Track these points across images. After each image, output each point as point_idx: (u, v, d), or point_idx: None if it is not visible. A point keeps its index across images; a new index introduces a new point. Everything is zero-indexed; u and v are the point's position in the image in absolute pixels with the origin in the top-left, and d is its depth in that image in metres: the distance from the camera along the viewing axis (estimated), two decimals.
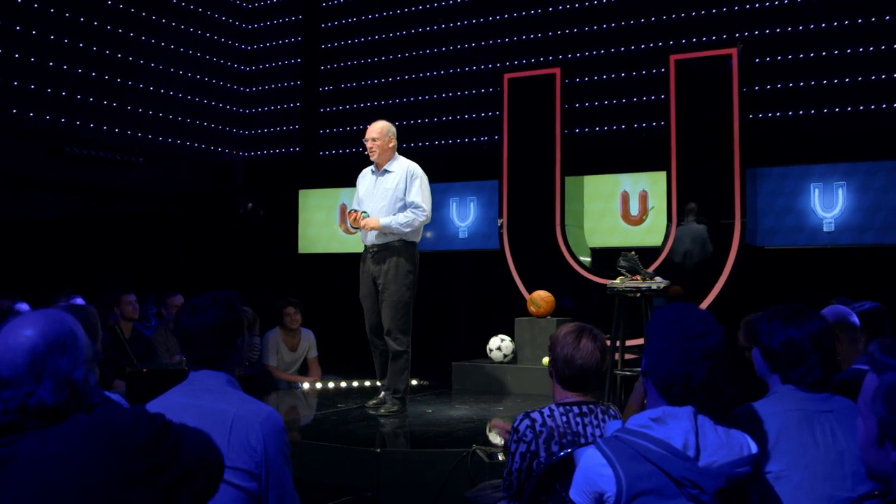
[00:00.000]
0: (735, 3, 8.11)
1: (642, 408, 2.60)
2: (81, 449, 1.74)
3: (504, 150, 8.58)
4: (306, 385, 7.15)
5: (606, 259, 8.13)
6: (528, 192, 8.47)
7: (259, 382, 7.05)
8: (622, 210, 8.48)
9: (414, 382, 7.16)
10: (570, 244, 8.25)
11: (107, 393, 5.65)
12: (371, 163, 5.93)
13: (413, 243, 5.79)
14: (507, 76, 8.68)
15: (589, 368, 3.05)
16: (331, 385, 7.17)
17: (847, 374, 3.84)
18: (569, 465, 2.74)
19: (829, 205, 7.56)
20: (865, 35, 7.57)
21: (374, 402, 5.87)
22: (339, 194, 9.74)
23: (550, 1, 9.00)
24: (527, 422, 3.05)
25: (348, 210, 5.91)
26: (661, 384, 2.24)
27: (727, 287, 7.49)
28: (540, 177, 8.41)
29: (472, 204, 9.28)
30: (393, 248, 5.68)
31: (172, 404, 2.57)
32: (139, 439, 1.77)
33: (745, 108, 7.64)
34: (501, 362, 7.05)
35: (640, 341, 6.21)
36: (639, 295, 5.75)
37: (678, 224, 7.72)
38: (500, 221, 8.48)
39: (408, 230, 5.66)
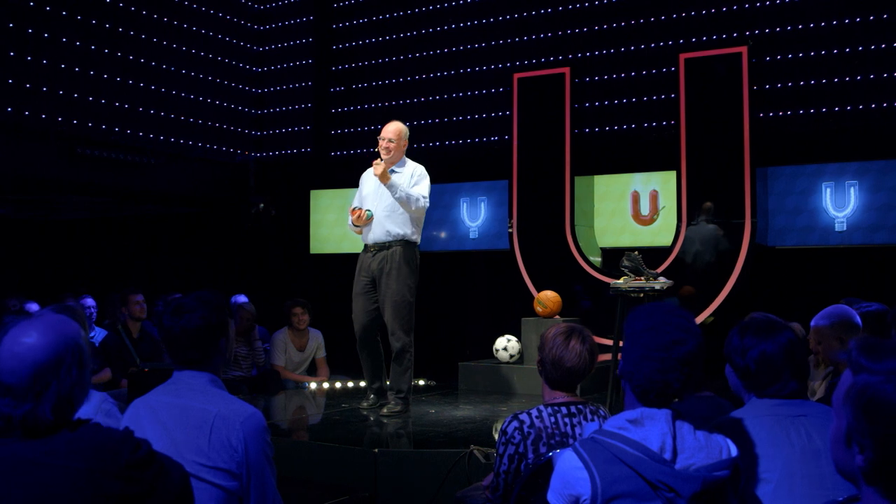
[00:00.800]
0: (745, 1, 8.04)
1: None
2: (61, 463, 1.74)
3: (514, 149, 8.58)
4: (313, 385, 7.17)
5: (617, 259, 8.08)
6: (538, 191, 8.46)
7: (267, 382, 7.09)
8: (633, 210, 8.43)
9: (421, 382, 7.17)
10: (581, 244, 8.22)
11: (110, 393, 5.70)
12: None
13: (414, 243, 5.78)
14: (517, 76, 8.68)
15: (577, 370, 3.04)
16: (338, 385, 7.19)
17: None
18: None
19: (840, 204, 7.48)
20: (877, 32, 7.48)
21: (367, 404, 5.86)
22: (351, 195, 9.70)
23: (560, 0, 8.96)
24: (515, 423, 3.04)
25: (351, 207, 5.90)
26: (638, 390, 2.23)
27: (738, 287, 7.44)
28: (550, 176, 8.40)
29: (482, 204, 9.27)
30: (394, 247, 5.67)
31: (156, 403, 2.59)
32: (120, 461, 1.77)
33: (755, 106, 7.59)
34: (508, 362, 7.03)
35: None
36: (642, 295, 5.72)
37: (690, 224, 7.68)
38: (510, 225, 8.46)
39: (408, 201, 5.59)
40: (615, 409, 5.25)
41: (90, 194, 9.14)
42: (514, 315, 7.61)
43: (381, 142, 5.81)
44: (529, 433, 3.00)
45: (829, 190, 7.53)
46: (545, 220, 8.36)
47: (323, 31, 10.51)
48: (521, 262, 8.42)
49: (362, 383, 7.10)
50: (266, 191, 10.32)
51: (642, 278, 5.73)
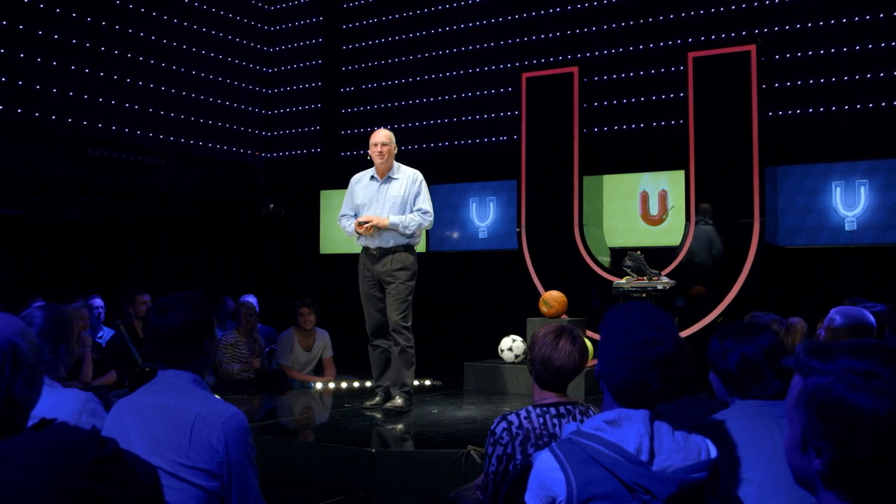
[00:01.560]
0: (754, 0, 7.99)
1: None
2: (23, 462, 1.73)
3: (522, 149, 8.55)
4: (319, 385, 7.18)
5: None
6: (546, 191, 8.43)
7: (273, 382, 7.12)
8: (642, 210, 8.39)
9: (427, 382, 7.17)
10: (590, 244, 8.19)
11: (114, 394, 5.73)
12: (362, 169, 6.01)
13: (414, 247, 5.92)
14: (525, 75, 8.65)
15: (566, 369, 3.02)
16: (343, 385, 7.20)
17: None
18: None
19: (850, 203, 7.41)
20: (887, 30, 7.42)
21: (371, 402, 5.90)
22: None
23: (568, 0, 8.94)
24: (503, 424, 3.03)
25: (358, 220, 5.82)
26: (615, 391, 2.21)
27: (747, 287, 7.38)
28: (558, 176, 8.37)
29: (491, 204, 9.26)
30: (398, 251, 5.80)
31: (139, 402, 2.60)
32: (86, 459, 1.77)
33: (764, 105, 7.53)
34: (513, 363, 7.01)
35: None
36: (644, 295, 5.68)
37: (697, 222, 7.63)
38: (518, 227, 8.44)
39: (411, 232, 5.76)
40: None
41: (100, 195, 9.20)
42: (523, 315, 7.59)
43: (374, 148, 5.87)
44: (517, 434, 2.99)
45: (838, 189, 7.46)
46: (553, 220, 8.34)
47: (332, 32, 10.54)
48: (529, 262, 8.40)
49: (368, 383, 7.12)
50: (276, 191, 10.35)
51: (645, 278, 5.69)
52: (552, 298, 6.93)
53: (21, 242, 10.86)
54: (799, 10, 7.79)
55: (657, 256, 7.74)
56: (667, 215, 8.23)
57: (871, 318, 3.79)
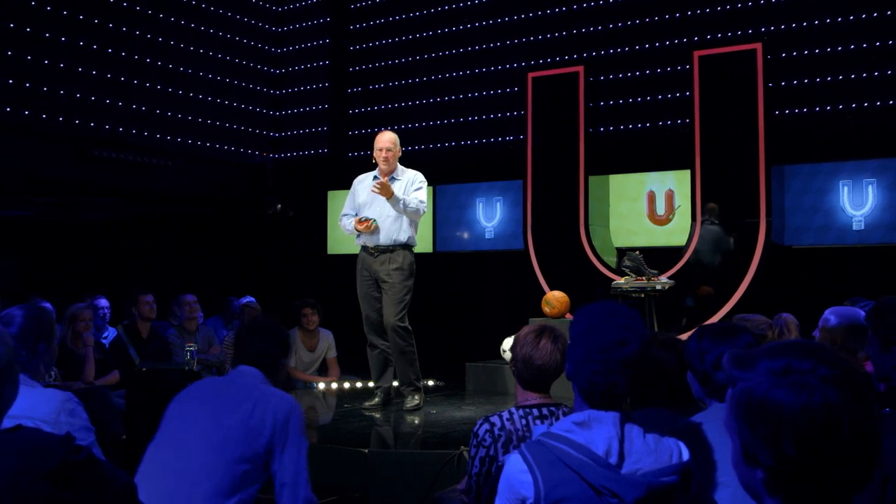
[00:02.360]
0: None
1: None
2: None
3: (528, 149, 8.53)
4: (322, 385, 7.18)
5: None
6: (552, 191, 8.40)
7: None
8: (648, 209, 8.35)
9: (430, 383, 7.15)
10: (596, 244, 8.15)
11: (116, 394, 5.75)
12: (366, 171, 6.02)
13: (412, 246, 5.98)
14: (531, 75, 8.62)
15: (548, 369, 3.00)
16: (346, 385, 7.20)
17: None
18: None
19: (858, 202, 7.34)
20: (895, 27, 7.33)
21: (370, 403, 5.90)
22: None
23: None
24: (486, 426, 3.02)
25: (358, 217, 5.87)
26: (584, 393, 2.19)
27: (753, 287, 7.32)
28: (564, 176, 8.34)
29: (498, 204, 9.25)
30: (396, 250, 5.84)
31: None
32: (52, 464, 1.76)
33: (771, 104, 7.47)
34: None
35: None
36: (643, 295, 5.65)
37: (703, 223, 7.58)
38: (525, 225, 8.42)
39: (411, 210, 5.79)
40: None
41: (107, 196, 9.25)
42: (529, 315, 7.57)
43: (378, 153, 5.93)
44: (500, 436, 2.97)
45: (846, 188, 7.39)
46: (560, 220, 8.31)
47: (339, 33, 10.54)
48: (535, 262, 8.38)
49: (371, 383, 7.11)
50: (283, 192, 10.37)
51: (644, 278, 5.65)
52: (554, 298, 6.91)
53: (31, 244, 10.92)
54: (805, 8, 7.72)
55: (664, 256, 7.71)
56: (673, 215, 8.19)
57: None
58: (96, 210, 10.44)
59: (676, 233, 8.04)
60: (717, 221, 7.46)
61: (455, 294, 9.23)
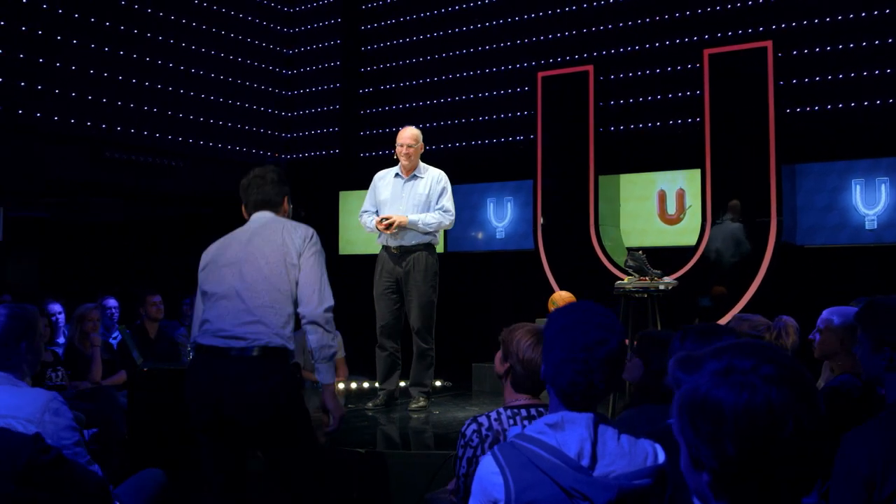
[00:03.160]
0: None
1: None
2: None
3: (538, 149, 8.50)
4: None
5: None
6: (562, 191, 8.37)
7: None
8: (659, 209, 8.29)
9: (438, 383, 7.14)
10: (607, 244, 8.11)
11: (123, 393, 5.77)
12: (381, 169, 6.00)
13: (435, 247, 5.92)
14: (540, 74, 8.59)
15: None
16: (353, 385, 7.20)
17: (836, 382, 3.67)
18: None
19: (871, 201, 7.25)
20: None
21: (373, 404, 5.88)
22: None
23: None
24: (473, 426, 3.00)
25: (379, 217, 5.79)
26: (562, 394, 2.16)
27: (764, 287, 7.25)
28: (574, 176, 8.30)
29: (509, 204, 9.22)
30: (419, 251, 5.78)
31: None
32: (17, 464, 1.77)
33: (781, 102, 7.39)
34: None
35: None
36: (646, 296, 5.60)
37: (715, 222, 7.52)
38: (542, 222, 8.37)
39: (431, 230, 5.75)
40: (614, 415, 5.16)
41: (121, 197, 9.31)
42: (540, 315, 7.53)
43: (400, 148, 5.87)
44: (487, 436, 2.95)
45: (858, 187, 7.30)
46: (569, 220, 8.27)
47: (351, 33, 10.55)
48: (545, 262, 8.35)
49: (377, 384, 7.10)
50: (295, 192, 10.33)
51: (647, 278, 5.61)
52: (561, 298, 6.87)
53: (47, 244, 11.03)
54: (816, 5, 7.63)
55: (674, 256, 7.66)
56: (684, 214, 8.12)
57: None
58: (109, 211, 10.51)
59: (687, 232, 7.98)
60: (740, 219, 7.38)
61: (465, 294, 9.20)
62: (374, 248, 9.81)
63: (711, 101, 7.58)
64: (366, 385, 7.20)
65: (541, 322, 7.11)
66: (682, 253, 7.65)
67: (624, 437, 2.14)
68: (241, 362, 3.22)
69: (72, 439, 2.78)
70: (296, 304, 3.44)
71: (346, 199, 10.17)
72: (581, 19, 8.90)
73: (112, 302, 7.42)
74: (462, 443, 3.00)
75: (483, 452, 2.93)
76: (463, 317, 9.12)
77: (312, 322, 3.43)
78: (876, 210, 7.22)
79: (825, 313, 3.83)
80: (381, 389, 6.01)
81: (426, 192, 5.80)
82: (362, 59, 10.51)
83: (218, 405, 3.20)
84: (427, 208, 5.80)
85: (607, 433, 2.13)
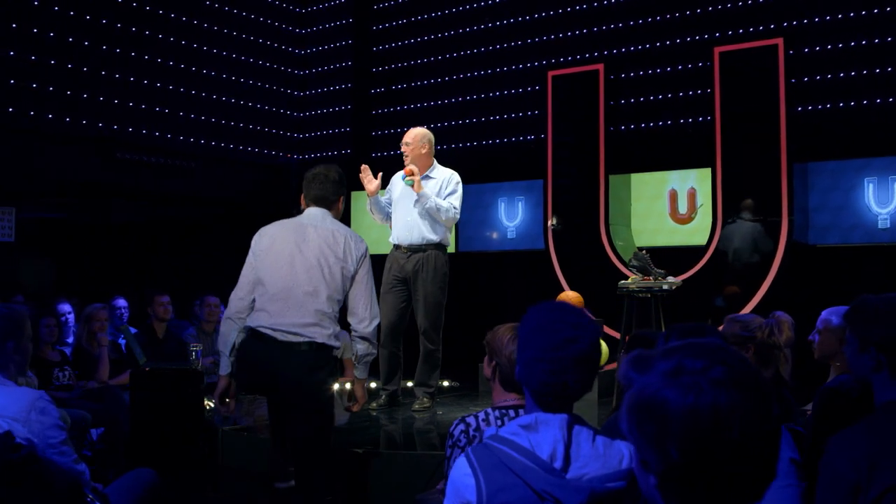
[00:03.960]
0: None
1: None
2: None
3: (548, 148, 8.47)
4: (336, 385, 7.17)
5: (654, 259, 7.90)
6: (572, 190, 8.34)
7: None
8: (670, 208, 8.24)
9: (445, 384, 7.12)
10: (618, 243, 8.07)
11: (125, 394, 5.79)
12: (394, 170, 6.02)
13: (445, 247, 5.90)
14: (550, 73, 8.56)
15: None
16: (373, 385, 7.18)
17: (835, 382, 3.62)
18: None
19: (884, 200, 7.16)
20: None
21: (377, 404, 5.88)
22: None
23: None
24: (461, 426, 2.99)
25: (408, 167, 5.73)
26: (535, 395, 2.14)
27: (776, 286, 7.19)
28: (584, 175, 8.27)
29: (520, 204, 9.18)
30: (427, 249, 5.76)
31: None
32: None
33: (793, 100, 7.32)
34: None
35: None
36: (650, 296, 5.56)
37: (728, 222, 7.45)
38: (553, 222, 8.33)
39: (435, 212, 5.69)
40: (600, 416, 5.13)
41: (133, 198, 9.36)
42: None
43: (402, 147, 5.85)
44: (475, 436, 2.94)
45: (871, 186, 7.22)
46: (580, 219, 8.24)
47: (362, 33, 10.56)
48: (555, 262, 8.32)
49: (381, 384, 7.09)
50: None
51: (650, 278, 5.57)
52: (568, 299, 6.82)
53: (63, 245, 11.11)
54: (827, 1, 7.55)
55: (685, 255, 7.60)
56: (696, 214, 8.06)
57: None
58: (123, 212, 10.58)
59: (699, 232, 7.92)
60: (756, 219, 7.31)
61: (476, 294, 9.18)
62: (386, 247, 9.86)
63: (722, 100, 7.52)
64: (373, 385, 7.18)
65: None
66: (693, 252, 7.60)
67: (599, 439, 2.11)
68: (297, 354, 3.70)
69: (58, 438, 2.79)
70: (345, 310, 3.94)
71: (358, 198, 10.17)
72: (591, 18, 8.86)
73: (121, 302, 7.46)
74: (450, 443, 2.99)
75: None
76: (474, 317, 9.08)
77: (364, 337, 3.96)
78: (889, 209, 7.14)
79: (824, 313, 3.78)
80: (383, 389, 6.01)
81: (436, 191, 5.80)
82: (374, 59, 10.52)
83: (271, 384, 3.77)
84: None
85: (581, 435, 2.10)
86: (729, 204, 7.46)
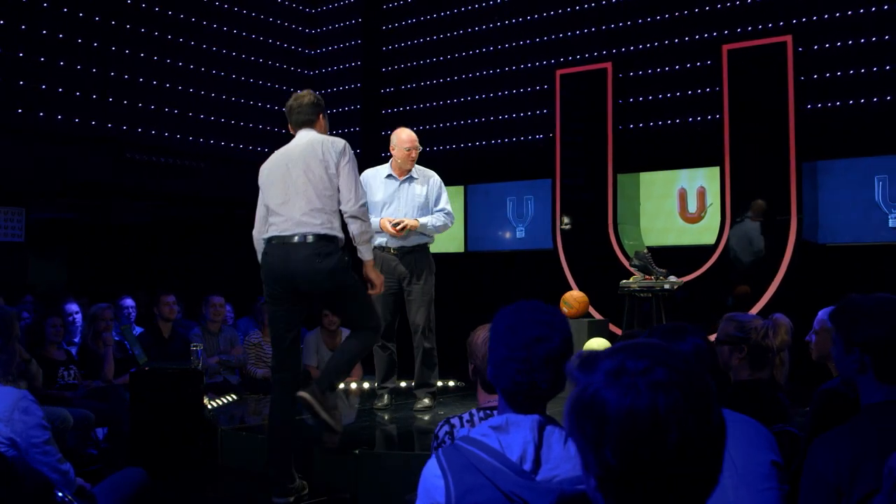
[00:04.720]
0: None
1: None
2: None
3: (557, 147, 8.45)
4: (341, 385, 7.18)
5: (663, 258, 7.85)
6: (581, 189, 8.31)
7: (300, 383, 7.13)
8: (680, 207, 8.19)
9: (451, 383, 7.11)
10: (626, 243, 8.02)
11: (127, 394, 5.81)
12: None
13: (429, 246, 5.98)
14: (559, 72, 8.54)
15: None
16: (366, 385, 7.19)
17: (832, 383, 3.57)
18: None
19: (894, 198, 7.08)
20: None
21: (381, 404, 5.89)
22: None
23: None
24: (446, 427, 2.98)
25: (388, 220, 5.68)
26: (506, 395, 2.12)
27: (784, 286, 7.12)
28: (593, 174, 8.24)
29: (529, 203, 9.16)
30: (418, 250, 5.81)
31: None
32: None
33: (802, 98, 7.25)
34: None
35: None
36: (651, 295, 5.52)
37: (736, 221, 7.40)
38: (563, 223, 8.29)
39: (438, 232, 5.85)
40: None
41: (142, 199, 9.40)
42: None
43: (408, 152, 5.77)
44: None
45: (881, 184, 7.14)
46: (588, 219, 8.21)
47: (372, 33, 10.56)
48: (563, 262, 8.29)
49: (403, 384, 7.07)
50: None
51: (652, 277, 5.52)
52: (573, 298, 6.80)
53: (74, 245, 11.19)
54: None
55: (694, 255, 7.55)
56: (706, 213, 8.01)
57: None
58: (132, 212, 10.63)
59: (709, 231, 7.86)
60: (759, 218, 7.25)
61: (486, 293, 9.16)
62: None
63: (730, 98, 7.47)
64: (366, 385, 7.18)
65: None
66: (703, 252, 7.55)
67: (571, 441, 2.09)
68: (304, 247, 4.18)
69: (41, 437, 2.80)
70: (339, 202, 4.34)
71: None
72: (599, 16, 8.82)
73: (129, 301, 7.49)
74: (435, 444, 2.97)
75: None
76: (481, 316, 9.06)
77: (353, 216, 4.32)
78: None
79: (821, 313, 3.73)
80: (381, 389, 6.01)
81: (423, 193, 5.80)
82: (383, 58, 10.52)
83: (292, 280, 4.23)
84: (426, 210, 5.81)
85: (553, 436, 2.08)
86: (738, 203, 7.39)
